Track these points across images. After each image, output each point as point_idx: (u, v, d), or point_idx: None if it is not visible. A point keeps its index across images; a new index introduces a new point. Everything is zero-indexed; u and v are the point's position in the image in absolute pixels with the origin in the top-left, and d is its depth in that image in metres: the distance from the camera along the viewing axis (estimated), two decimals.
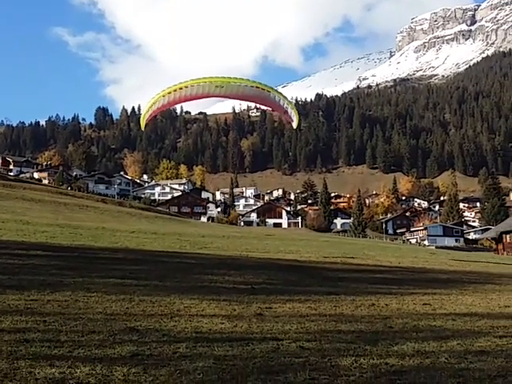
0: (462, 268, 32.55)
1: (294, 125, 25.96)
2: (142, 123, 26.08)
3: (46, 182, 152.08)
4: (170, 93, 23.41)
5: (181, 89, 23.26)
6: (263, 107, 29.63)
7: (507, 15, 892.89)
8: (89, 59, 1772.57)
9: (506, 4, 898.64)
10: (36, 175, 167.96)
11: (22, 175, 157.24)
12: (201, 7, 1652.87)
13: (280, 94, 25.16)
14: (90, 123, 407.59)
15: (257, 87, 24.11)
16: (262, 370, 7.63)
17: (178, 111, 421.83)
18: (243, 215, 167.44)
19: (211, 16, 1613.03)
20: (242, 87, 24.02)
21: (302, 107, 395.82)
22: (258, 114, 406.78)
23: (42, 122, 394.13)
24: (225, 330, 10.09)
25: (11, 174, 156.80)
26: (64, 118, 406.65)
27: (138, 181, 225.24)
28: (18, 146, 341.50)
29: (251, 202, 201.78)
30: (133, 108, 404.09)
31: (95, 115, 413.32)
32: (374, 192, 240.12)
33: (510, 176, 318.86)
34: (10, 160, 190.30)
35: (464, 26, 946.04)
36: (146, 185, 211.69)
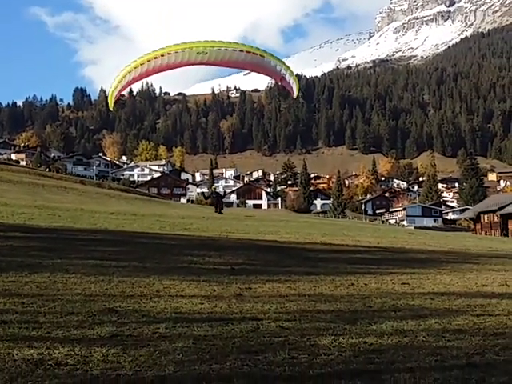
0: (440, 248, 32.78)
1: (295, 93, 23.34)
2: (110, 102, 23.17)
3: (23, 163, 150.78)
4: (142, 64, 20.55)
5: (155, 58, 20.62)
6: (257, 74, 25.28)
7: None
8: (67, 39, 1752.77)
9: None
10: (13, 156, 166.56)
11: None
12: None
13: (276, 58, 22.15)
14: (68, 104, 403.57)
15: (247, 52, 21.35)
16: (242, 350, 7.66)
17: (157, 92, 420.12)
18: (224, 196, 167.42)
19: None
20: (230, 52, 21.09)
21: (281, 88, 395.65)
22: (238, 95, 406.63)
23: (19, 103, 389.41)
24: (204, 311, 10.11)
25: None
26: (41, 98, 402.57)
27: (117, 162, 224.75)
28: None
29: (231, 183, 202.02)
30: None
31: (73, 96, 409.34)
32: (354, 173, 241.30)
33: (488, 157, 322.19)
34: None
35: (443, 7, 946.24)
36: (125, 166, 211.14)
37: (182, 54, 20.08)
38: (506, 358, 7.99)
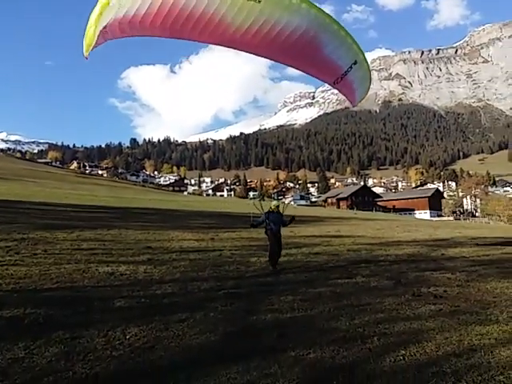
0: (308, 214, 33.26)
1: (359, 97, 5.04)
2: (87, 47, 3.86)
3: (105, 175, 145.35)
4: None
5: None
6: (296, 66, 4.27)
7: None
8: (128, 115, 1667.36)
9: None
10: (100, 172, 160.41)
11: (92, 172, 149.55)
12: None
13: (350, 36, 4.19)
14: (127, 146, 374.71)
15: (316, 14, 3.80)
16: (213, 265, 7.64)
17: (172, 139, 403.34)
18: (205, 191, 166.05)
19: None
20: (294, 8, 3.72)
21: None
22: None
23: (103, 145, 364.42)
24: (195, 246, 10.03)
25: (87, 171, 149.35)
26: (113, 143, 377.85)
27: (152, 175, 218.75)
28: (89, 158, 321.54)
29: (209, 185, 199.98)
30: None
31: (130, 141, 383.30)
32: (269, 179, 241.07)
33: (330, 170, 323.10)
34: (86, 164, 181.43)
35: (309, 100, 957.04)
36: (156, 177, 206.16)
37: None
38: (338, 265, 8.24)
